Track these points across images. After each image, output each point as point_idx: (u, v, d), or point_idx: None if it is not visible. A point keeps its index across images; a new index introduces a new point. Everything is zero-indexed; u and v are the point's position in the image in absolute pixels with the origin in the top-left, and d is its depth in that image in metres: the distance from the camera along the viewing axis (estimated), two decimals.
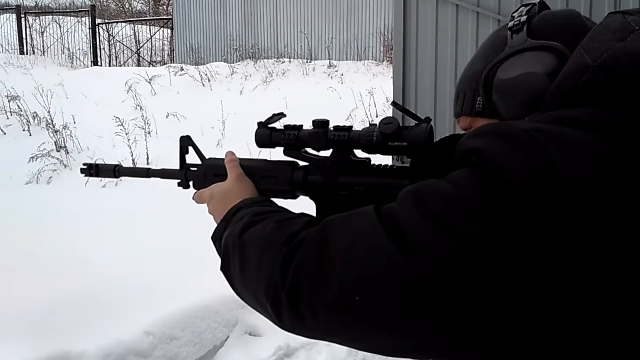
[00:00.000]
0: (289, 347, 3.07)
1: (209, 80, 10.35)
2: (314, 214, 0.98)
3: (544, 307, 0.57)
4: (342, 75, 10.56)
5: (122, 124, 6.61)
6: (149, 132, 7.27)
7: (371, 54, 12.04)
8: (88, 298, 3.08)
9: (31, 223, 4.20)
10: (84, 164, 1.23)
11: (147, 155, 6.51)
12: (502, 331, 0.58)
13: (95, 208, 4.68)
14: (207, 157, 1.13)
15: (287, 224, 0.78)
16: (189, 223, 3.84)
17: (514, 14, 0.89)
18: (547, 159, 0.57)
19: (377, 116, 8.06)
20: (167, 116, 8.20)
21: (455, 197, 0.61)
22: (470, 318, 0.58)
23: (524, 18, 0.86)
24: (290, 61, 12.04)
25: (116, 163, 1.26)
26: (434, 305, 0.59)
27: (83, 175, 1.24)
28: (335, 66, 11.28)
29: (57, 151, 6.75)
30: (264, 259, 0.75)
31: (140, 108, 8.33)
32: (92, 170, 1.22)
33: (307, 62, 11.81)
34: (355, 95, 8.51)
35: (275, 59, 12.34)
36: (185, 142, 1.14)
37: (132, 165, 5.67)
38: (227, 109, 7.91)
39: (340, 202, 0.95)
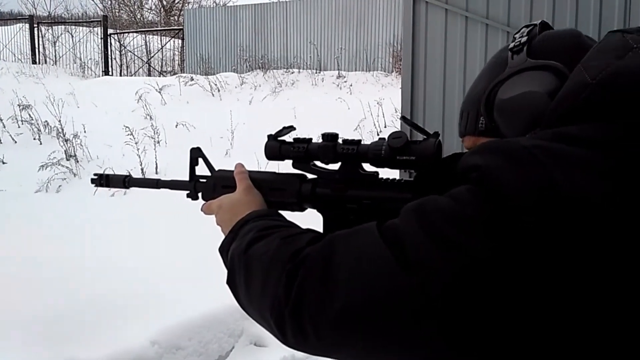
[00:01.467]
0: (294, 357, 3.06)
1: (219, 90, 10.41)
2: (320, 227, 0.98)
3: (544, 319, 0.57)
4: (351, 85, 10.59)
5: (131, 134, 6.64)
6: (159, 142, 7.31)
7: (380, 65, 12.07)
8: (95, 306, 3.09)
9: (40, 231, 4.22)
10: (95, 174, 1.25)
11: (156, 164, 6.54)
12: (502, 345, 0.59)
13: (103, 217, 4.70)
14: (216, 168, 1.14)
15: (292, 240, 0.78)
16: (196, 233, 3.85)
17: (515, 35, 0.90)
18: (546, 175, 0.58)
19: (385, 127, 8.06)
20: (176, 126, 8.24)
21: (456, 213, 0.62)
22: (470, 333, 0.59)
23: (524, 39, 0.87)
24: (299, 72, 12.09)
25: (126, 174, 1.27)
26: (434, 321, 0.59)
27: (93, 185, 1.25)
28: (344, 77, 11.32)
29: (67, 160, 6.79)
30: (268, 275, 0.75)
31: (150, 117, 8.38)
32: (103, 180, 1.23)
33: (316, 72, 11.86)
34: (364, 105, 8.52)
35: (285, 70, 12.40)
36: (196, 154, 1.14)
37: (141, 176, 5.71)
38: (236, 119, 7.94)
39: (348, 216, 0.95)
